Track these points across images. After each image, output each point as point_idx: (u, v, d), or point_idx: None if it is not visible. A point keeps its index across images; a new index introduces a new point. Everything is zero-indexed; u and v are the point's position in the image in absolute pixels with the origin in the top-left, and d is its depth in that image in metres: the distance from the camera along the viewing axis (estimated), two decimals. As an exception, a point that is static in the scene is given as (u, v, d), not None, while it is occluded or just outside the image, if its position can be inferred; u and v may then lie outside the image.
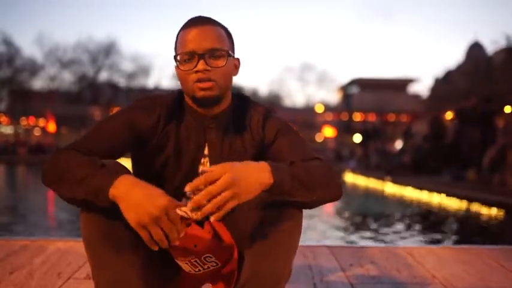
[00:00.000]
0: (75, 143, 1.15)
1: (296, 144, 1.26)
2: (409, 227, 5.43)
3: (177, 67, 1.21)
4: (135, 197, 0.96)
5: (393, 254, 2.36)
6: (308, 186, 1.08)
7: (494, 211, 6.45)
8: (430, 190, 8.76)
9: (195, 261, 1.15)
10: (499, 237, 5.12)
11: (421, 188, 9.24)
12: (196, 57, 1.17)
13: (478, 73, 25.27)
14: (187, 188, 0.96)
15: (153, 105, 1.25)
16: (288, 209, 1.12)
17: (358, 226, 5.62)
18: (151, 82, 38.93)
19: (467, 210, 6.89)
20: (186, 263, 1.17)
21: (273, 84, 65.11)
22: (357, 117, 43.34)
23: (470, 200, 7.24)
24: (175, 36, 1.25)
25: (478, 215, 6.51)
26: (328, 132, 41.59)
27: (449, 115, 14.48)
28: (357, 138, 24.07)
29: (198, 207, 0.96)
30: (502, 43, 22.00)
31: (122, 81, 38.89)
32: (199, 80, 1.17)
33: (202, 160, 1.27)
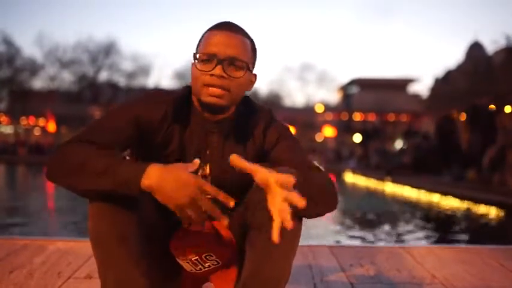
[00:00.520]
0: (80, 136, 1.13)
1: (296, 150, 1.25)
2: (409, 227, 5.43)
3: (193, 64, 1.19)
4: (170, 184, 0.98)
5: (393, 254, 2.35)
6: (310, 197, 1.07)
7: (494, 211, 6.45)
8: (430, 190, 8.76)
9: (196, 259, 1.15)
10: (499, 237, 5.12)
11: (421, 188, 9.24)
12: (216, 61, 1.15)
13: (478, 73, 25.26)
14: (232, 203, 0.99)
15: (161, 101, 1.23)
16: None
17: (359, 226, 5.62)
18: (151, 82, 38.92)
19: (467, 210, 6.90)
20: (187, 262, 1.17)
21: (273, 84, 65.07)
22: (357, 117, 43.33)
23: (470, 199, 7.24)
24: (201, 34, 1.23)
25: (478, 215, 6.51)
26: (328, 132, 41.59)
27: (462, 116, 14.28)
28: (357, 138, 24.09)
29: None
30: (502, 43, 22.01)
31: (121, 81, 38.91)
32: (210, 85, 1.15)
33: (202, 164, 1.25)
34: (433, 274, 2.01)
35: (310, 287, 1.83)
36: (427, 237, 4.82)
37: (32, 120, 37.26)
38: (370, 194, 10.68)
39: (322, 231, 5.08)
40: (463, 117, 14.39)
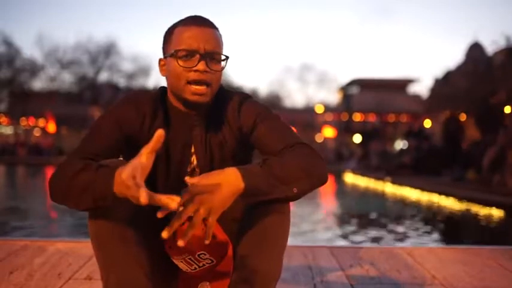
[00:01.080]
0: (77, 150, 1.14)
1: (277, 129, 1.23)
2: (409, 228, 5.43)
3: (171, 62, 1.18)
4: (119, 188, 0.97)
5: (393, 254, 2.36)
6: (286, 181, 1.08)
7: (494, 211, 6.45)
8: (430, 190, 8.76)
9: (190, 258, 1.16)
10: (499, 237, 5.12)
11: (421, 189, 9.24)
12: (198, 56, 1.16)
13: (477, 73, 25.23)
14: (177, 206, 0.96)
15: (138, 101, 1.23)
16: (275, 203, 1.11)
17: (358, 226, 5.62)
18: (151, 82, 38.86)
19: (467, 210, 6.89)
20: (181, 261, 1.18)
21: (272, 84, 64.97)
22: (357, 117, 43.30)
23: (470, 200, 7.24)
24: (168, 30, 1.22)
25: (478, 215, 6.51)
26: (328, 132, 41.54)
27: (462, 116, 14.23)
28: (357, 138, 24.08)
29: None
30: (501, 43, 21.95)
31: (122, 82, 38.86)
32: (195, 82, 1.16)
33: (190, 158, 1.27)
34: (433, 275, 2.01)
35: (310, 287, 1.83)
36: (427, 238, 4.81)
37: (32, 121, 37.22)
38: (370, 194, 10.67)
39: (322, 232, 5.08)
40: (463, 117, 14.41)
